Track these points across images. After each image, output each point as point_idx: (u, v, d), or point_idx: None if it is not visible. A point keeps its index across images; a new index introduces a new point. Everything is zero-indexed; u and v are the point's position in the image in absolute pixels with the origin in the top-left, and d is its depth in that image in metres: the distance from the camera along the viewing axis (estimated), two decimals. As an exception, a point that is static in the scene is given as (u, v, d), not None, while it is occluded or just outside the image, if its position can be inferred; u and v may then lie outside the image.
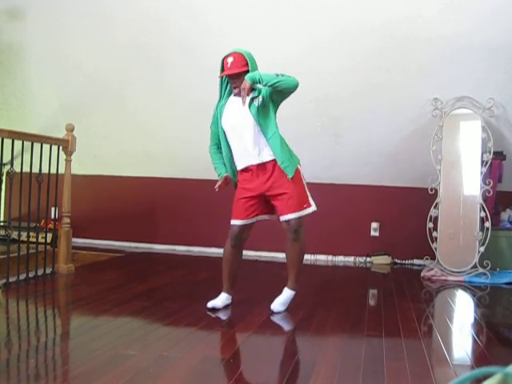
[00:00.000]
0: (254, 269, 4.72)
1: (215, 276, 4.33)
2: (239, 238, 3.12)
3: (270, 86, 2.88)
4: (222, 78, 3.08)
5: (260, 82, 2.87)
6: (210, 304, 3.12)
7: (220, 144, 3.14)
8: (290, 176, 2.97)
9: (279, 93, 2.96)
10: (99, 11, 4.87)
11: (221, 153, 3.16)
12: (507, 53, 4.33)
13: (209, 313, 3.06)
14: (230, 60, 2.96)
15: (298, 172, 3.04)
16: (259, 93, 2.98)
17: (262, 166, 3.02)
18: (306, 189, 3.11)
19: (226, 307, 3.19)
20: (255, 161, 3.01)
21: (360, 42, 4.50)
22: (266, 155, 3.01)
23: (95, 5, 4.85)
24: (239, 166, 3.10)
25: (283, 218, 3.03)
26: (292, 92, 2.96)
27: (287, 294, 3.15)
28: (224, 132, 3.08)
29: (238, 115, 3.00)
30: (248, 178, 3.07)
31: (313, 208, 3.10)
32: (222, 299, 3.17)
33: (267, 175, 3.02)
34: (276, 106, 3.04)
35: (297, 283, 3.16)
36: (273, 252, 5.33)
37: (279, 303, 3.11)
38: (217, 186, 3.06)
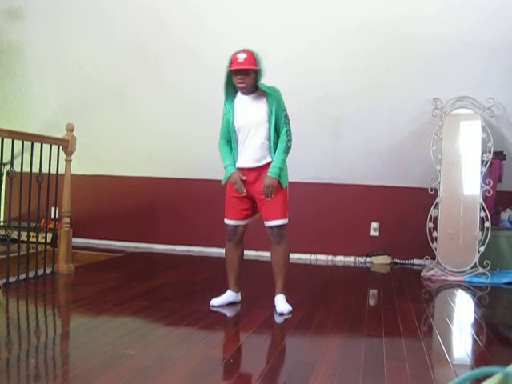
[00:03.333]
0: (253, 269, 4.72)
1: (215, 276, 4.34)
2: (236, 234, 3.18)
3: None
4: (228, 75, 3.03)
5: (281, 170, 3.01)
6: (215, 302, 3.18)
7: (230, 138, 3.14)
8: (284, 184, 3.07)
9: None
10: (99, 11, 4.87)
11: (230, 146, 3.15)
12: (507, 53, 4.33)
13: (214, 310, 3.10)
14: (242, 56, 2.95)
15: (286, 187, 3.13)
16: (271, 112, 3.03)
17: (259, 169, 3.07)
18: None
19: (230, 306, 3.21)
20: (253, 163, 3.06)
21: (360, 42, 4.51)
22: (265, 159, 3.06)
23: (95, 5, 4.84)
24: (240, 164, 3.11)
25: (268, 223, 3.09)
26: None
27: (282, 298, 3.16)
28: (235, 129, 3.09)
29: (252, 115, 3.03)
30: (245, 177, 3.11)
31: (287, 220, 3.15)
32: (224, 296, 3.23)
33: (255, 177, 3.07)
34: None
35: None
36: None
37: (282, 306, 3.10)
38: (242, 190, 3.07)
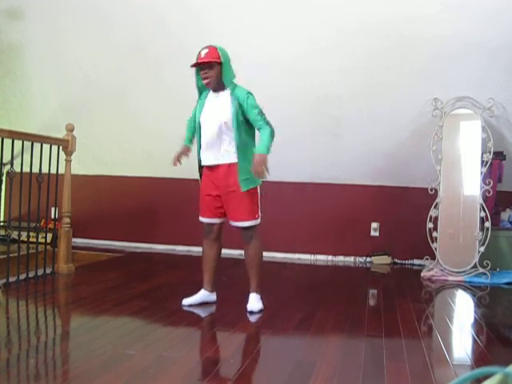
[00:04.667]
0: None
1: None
2: (212, 232, 3.21)
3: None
4: (197, 72, 3.09)
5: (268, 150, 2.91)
6: (186, 301, 3.15)
7: (194, 130, 3.23)
8: (254, 185, 3.03)
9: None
10: (99, 11, 4.88)
11: (192, 130, 3.25)
12: (507, 53, 4.33)
13: (185, 309, 3.09)
14: (203, 51, 3.03)
15: (254, 190, 3.06)
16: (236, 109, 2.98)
17: (219, 167, 3.06)
18: (258, 203, 3.11)
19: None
20: (214, 161, 3.07)
21: (360, 42, 4.51)
22: (226, 158, 3.03)
23: (95, 5, 4.85)
24: (203, 162, 3.16)
25: (234, 224, 3.09)
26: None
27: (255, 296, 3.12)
28: (200, 125, 3.11)
29: (215, 112, 3.04)
30: (208, 175, 3.15)
31: (258, 221, 3.09)
32: (196, 296, 3.20)
33: (220, 176, 3.06)
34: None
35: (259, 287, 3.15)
36: (272, 252, 5.32)
37: (253, 304, 3.08)
38: (175, 159, 3.22)
